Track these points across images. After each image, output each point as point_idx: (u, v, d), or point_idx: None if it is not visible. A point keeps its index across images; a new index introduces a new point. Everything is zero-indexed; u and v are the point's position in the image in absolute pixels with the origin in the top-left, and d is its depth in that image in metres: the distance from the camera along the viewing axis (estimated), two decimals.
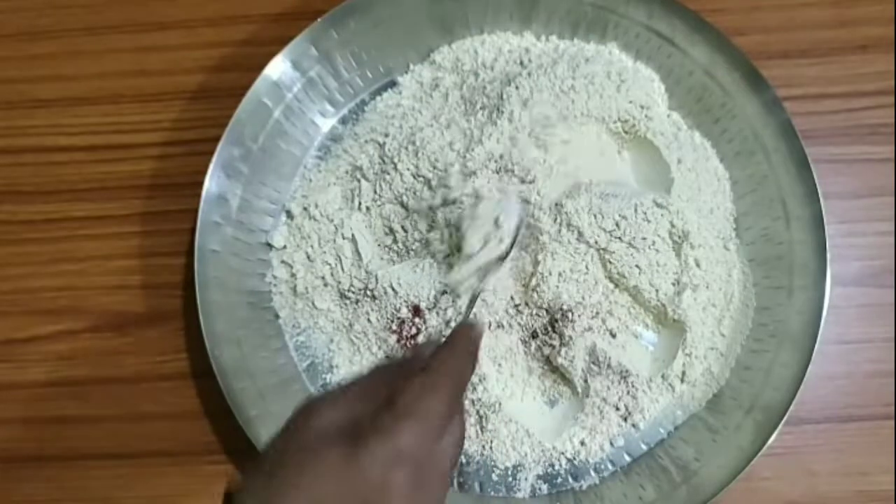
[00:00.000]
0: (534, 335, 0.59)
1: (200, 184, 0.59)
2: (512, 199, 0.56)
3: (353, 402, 0.38)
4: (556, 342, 0.58)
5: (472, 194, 0.55)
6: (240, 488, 0.36)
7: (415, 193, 0.58)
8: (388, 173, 0.60)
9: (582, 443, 0.58)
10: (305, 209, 0.62)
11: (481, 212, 0.54)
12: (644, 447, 0.59)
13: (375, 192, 0.60)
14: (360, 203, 0.61)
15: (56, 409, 0.62)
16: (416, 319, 0.58)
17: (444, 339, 0.42)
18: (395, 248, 0.60)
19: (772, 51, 0.65)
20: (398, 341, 0.59)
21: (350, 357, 0.60)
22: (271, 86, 0.61)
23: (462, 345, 0.41)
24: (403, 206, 0.59)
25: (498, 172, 0.57)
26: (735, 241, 0.61)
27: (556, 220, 0.58)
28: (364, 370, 0.42)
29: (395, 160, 0.59)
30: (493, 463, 0.58)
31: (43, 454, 0.61)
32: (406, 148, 0.59)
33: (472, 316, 0.48)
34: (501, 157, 0.57)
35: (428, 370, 0.39)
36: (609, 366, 0.57)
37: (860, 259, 0.62)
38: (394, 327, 0.59)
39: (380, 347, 0.60)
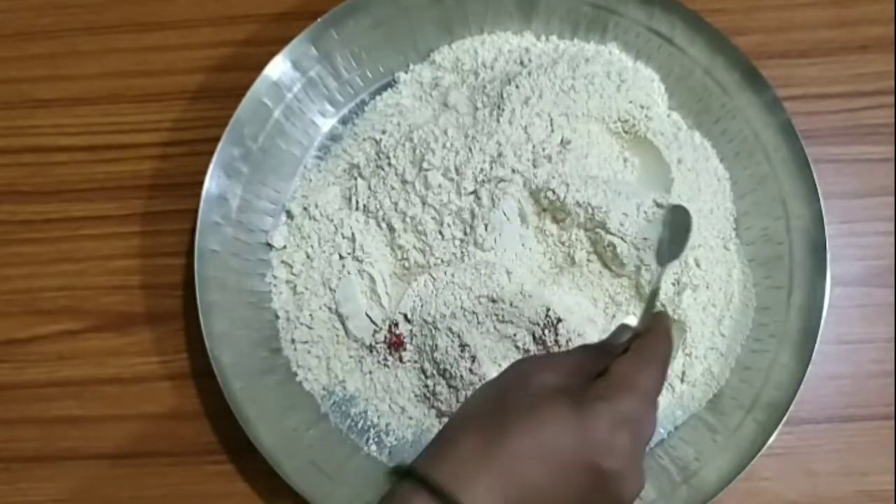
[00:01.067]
0: (534, 336, 0.59)
1: (200, 184, 0.59)
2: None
3: (566, 372, 0.40)
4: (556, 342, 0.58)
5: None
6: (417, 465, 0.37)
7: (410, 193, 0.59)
8: (383, 169, 0.60)
9: None
10: (305, 209, 0.62)
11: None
12: None
13: (370, 189, 0.60)
14: (357, 202, 0.61)
15: (56, 409, 0.62)
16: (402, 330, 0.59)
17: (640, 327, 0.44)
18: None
19: (772, 51, 0.65)
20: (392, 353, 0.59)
21: (349, 356, 0.60)
22: (271, 86, 0.61)
23: (662, 329, 0.44)
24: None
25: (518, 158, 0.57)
26: (735, 241, 0.61)
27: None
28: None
29: (391, 156, 0.59)
30: None
31: (43, 454, 0.61)
32: (403, 145, 0.59)
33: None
34: (527, 141, 0.57)
35: (638, 350, 0.41)
36: None
37: (860, 259, 0.62)
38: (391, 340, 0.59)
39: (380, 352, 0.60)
